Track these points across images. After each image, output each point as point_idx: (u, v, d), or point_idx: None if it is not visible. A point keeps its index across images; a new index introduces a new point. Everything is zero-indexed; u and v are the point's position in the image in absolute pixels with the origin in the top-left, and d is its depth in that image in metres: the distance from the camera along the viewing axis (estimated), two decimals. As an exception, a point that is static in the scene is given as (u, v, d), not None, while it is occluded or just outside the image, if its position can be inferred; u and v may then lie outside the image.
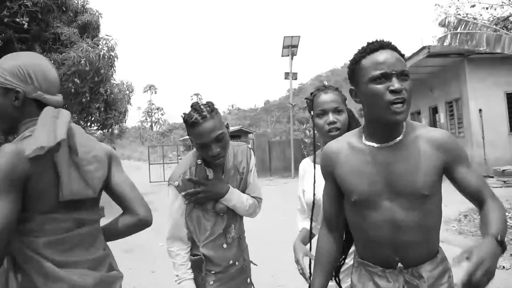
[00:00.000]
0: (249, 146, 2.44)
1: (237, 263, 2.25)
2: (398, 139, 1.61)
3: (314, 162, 2.21)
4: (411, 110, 17.79)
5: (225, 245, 2.21)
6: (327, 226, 1.81)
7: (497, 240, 1.33)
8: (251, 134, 33.20)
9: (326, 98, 2.14)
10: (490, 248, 1.28)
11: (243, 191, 2.32)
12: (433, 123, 16.60)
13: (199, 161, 2.23)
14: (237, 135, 35.51)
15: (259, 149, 19.79)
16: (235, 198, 2.22)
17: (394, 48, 1.56)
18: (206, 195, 2.18)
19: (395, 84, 1.48)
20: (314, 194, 2.16)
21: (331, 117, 2.11)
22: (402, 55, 1.56)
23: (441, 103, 15.16)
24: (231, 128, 43.08)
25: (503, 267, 4.78)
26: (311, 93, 2.26)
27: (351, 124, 2.16)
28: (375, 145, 1.62)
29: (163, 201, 10.68)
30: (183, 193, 2.17)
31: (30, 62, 1.62)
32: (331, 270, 1.83)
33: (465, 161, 1.61)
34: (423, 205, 1.58)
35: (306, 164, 2.34)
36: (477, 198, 1.57)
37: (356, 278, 1.72)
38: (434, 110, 16.26)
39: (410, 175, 1.57)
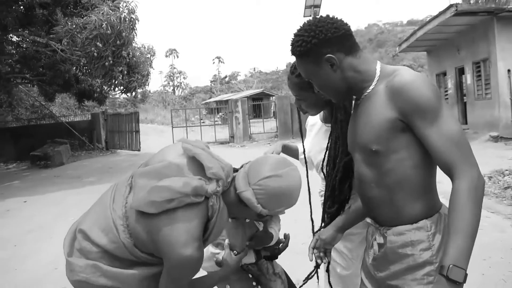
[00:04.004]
0: None
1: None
2: (367, 92, 1.54)
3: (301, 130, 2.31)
4: (436, 71, 17.40)
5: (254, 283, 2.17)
6: None
7: (448, 279, 1.26)
8: (273, 97, 32.99)
9: (290, 84, 2.07)
10: None
11: None
12: (459, 85, 16.20)
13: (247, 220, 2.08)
14: (259, 97, 35.33)
15: (281, 111, 19.72)
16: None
17: (294, 53, 1.59)
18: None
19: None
20: (304, 152, 2.27)
21: (296, 103, 2.11)
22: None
23: (468, 63, 14.73)
24: (253, 91, 42.78)
25: None
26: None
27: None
28: (356, 102, 1.65)
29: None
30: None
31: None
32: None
33: (430, 115, 1.38)
34: (377, 162, 1.49)
35: (314, 119, 2.33)
36: (445, 170, 1.38)
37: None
38: (461, 71, 15.82)
39: (362, 128, 1.54)
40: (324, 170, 2.09)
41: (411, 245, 1.48)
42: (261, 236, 2.09)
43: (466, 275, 1.27)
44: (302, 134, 2.35)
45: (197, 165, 1.66)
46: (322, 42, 1.49)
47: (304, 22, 1.58)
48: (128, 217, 1.67)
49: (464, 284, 1.28)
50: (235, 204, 1.68)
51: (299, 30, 1.56)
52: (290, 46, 1.58)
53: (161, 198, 1.55)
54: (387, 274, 1.55)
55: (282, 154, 2.25)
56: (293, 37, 1.58)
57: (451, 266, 1.26)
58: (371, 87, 1.53)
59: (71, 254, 1.75)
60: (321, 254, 1.94)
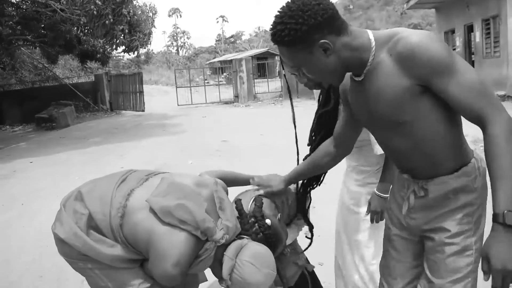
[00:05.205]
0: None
1: None
2: (366, 68, 1.47)
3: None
4: (445, 28, 17.03)
5: None
6: (333, 139, 1.92)
7: (505, 224, 1.26)
8: (277, 56, 32.57)
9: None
10: (504, 245, 1.26)
11: None
12: (468, 43, 15.88)
13: None
14: (264, 57, 34.88)
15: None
16: None
17: (280, 43, 1.45)
18: None
19: (301, 80, 1.87)
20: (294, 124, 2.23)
21: (301, 79, 2.04)
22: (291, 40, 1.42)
23: (477, 20, 14.36)
24: (258, 51, 42.21)
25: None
26: None
27: None
28: (355, 78, 1.57)
29: (191, 123, 10.94)
30: None
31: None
32: (315, 168, 2.03)
33: (447, 71, 1.35)
34: (409, 131, 1.48)
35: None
36: (474, 120, 1.38)
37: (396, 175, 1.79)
38: (470, 29, 15.46)
39: (379, 104, 1.48)
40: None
41: (454, 192, 1.52)
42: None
43: None
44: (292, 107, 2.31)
45: (216, 209, 1.83)
46: (313, 27, 1.38)
47: (283, 6, 1.43)
48: (129, 200, 1.79)
49: None
50: (216, 259, 1.81)
51: (281, 17, 1.41)
52: (273, 35, 1.45)
53: (179, 216, 1.69)
54: (425, 221, 1.59)
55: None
56: (274, 25, 1.43)
57: (505, 212, 1.26)
58: (370, 59, 1.45)
59: (65, 208, 1.87)
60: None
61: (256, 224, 1.93)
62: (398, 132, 1.51)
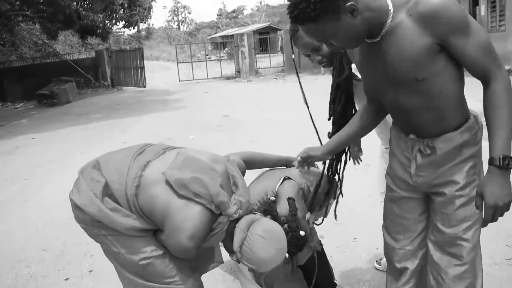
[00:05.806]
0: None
1: None
2: (384, 30, 1.51)
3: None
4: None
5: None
6: (367, 98, 1.92)
7: (501, 167, 1.44)
8: (280, 31, 32.23)
9: (301, 42, 2.08)
10: (497, 185, 1.45)
11: None
12: (473, 16, 15.59)
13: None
14: (266, 32, 34.50)
15: (288, 46, 19.30)
16: None
17: (306, 20, 1.44)
18: None
19: (315, 58, 2.11)
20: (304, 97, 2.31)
21: (315, 58, 2.12)
22: (314, 17, 1.42)
23: (483, -7, 14.09)
24: (260, 26, 41.71)
25: None
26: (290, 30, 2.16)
27: None
28: (369, 41, 1.59)
29: (192, 98, 10.91)
30: None
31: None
32: (356, 132, 1.99)
33: (464, 30, 1.44)
34: (424, 88, 1.55)
35: None
36: (480, 76, 1.51)
37: (392, 136, 1.87)
38: (475, 2, 15.19)
39: (399, 62, 1.52)
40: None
41: (459, 147, 1.63)
42: None
43: None
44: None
45: (230, 185, 1.85)
46: None
47: None
48: (145, 170, 1.82)
49: None
50: (228, 233, 1.82)
51: None
52: (296, 17, 1.44)
53: (193, 189, 1.71)
54: (433, 176, 1.69)
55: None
56: (294, 6, 1.42)
57: (501, 156, 1.44)
58: (389, 21, 1.49)
59: (82, 176, 1.91)
60: (305, 167, 2.15)
61: (290, 233, 1.93)
62: (414, 89, 1.57)
